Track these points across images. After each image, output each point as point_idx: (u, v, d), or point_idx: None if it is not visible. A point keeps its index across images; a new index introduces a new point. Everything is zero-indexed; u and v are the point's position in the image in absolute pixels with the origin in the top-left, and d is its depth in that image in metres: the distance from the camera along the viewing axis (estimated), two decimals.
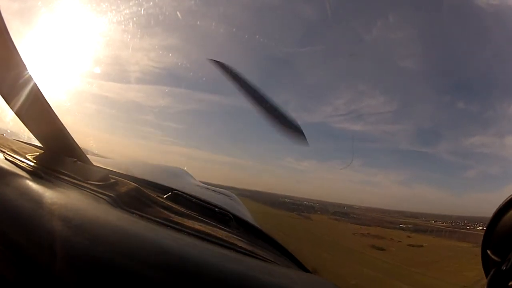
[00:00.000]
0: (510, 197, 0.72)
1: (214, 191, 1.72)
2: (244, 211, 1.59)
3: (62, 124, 0.77)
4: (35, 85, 0.70)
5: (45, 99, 0.72)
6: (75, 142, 0.82)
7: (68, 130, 0.79)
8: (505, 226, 0.73)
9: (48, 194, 0.53)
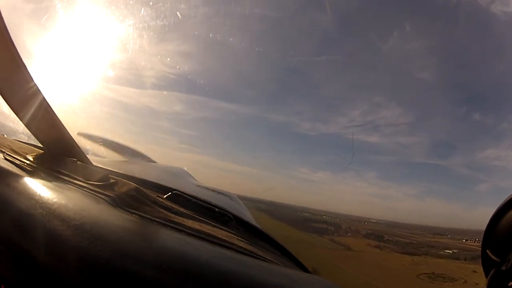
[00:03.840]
0: (509, 197, 0.72)
1: (214, 191, 1.72)
2: (244, 211, 1.59)
3: (62, 124, 0.77)
4: (35, 85, 0.70)
5: (46, 99, 0.72)
6: (75, 142, 0.82)
7: (68, 130, 0.79)
8: (505, 226, 0.73)
9: (48, 194, 0.53)
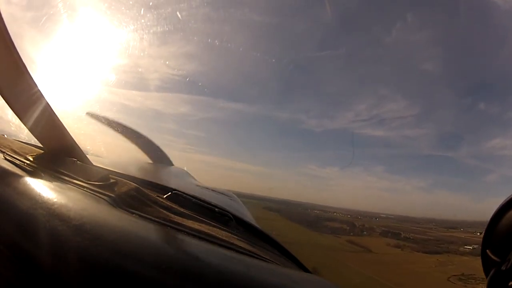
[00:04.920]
0: (509, 197, 0.72)
1: (214, 191, 1.72)
2: (244, 211, 1.59)
3: (62, 124, 0.77)
4: (35, 85, 0.70)
5: (46, 99, 0.72)
6: (75, 142, 0.82)
7: (68, 131, 0.79)
8: (505, 226, 0.73)
9: (48, 194, 0.53)
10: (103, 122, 1.98)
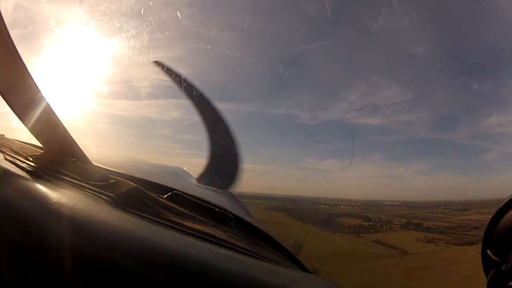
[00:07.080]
0: (509, 198, 0.72)
1: (214, 191, 1.72)
2: (244, 211, 1.59)
3: (62, 124, 0.77)
4: (35, 84, 0.70)
5: (45, 99, 0.72)
6: (75, 142, 0.82)
7: (69, 131, 0.79)
8: (505, 226, 0.73)
9: (48, 194, 0.53)
10: (169, 74, 1.94)
